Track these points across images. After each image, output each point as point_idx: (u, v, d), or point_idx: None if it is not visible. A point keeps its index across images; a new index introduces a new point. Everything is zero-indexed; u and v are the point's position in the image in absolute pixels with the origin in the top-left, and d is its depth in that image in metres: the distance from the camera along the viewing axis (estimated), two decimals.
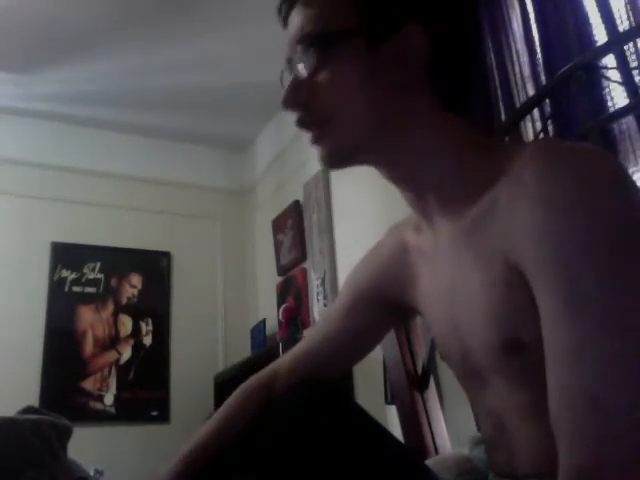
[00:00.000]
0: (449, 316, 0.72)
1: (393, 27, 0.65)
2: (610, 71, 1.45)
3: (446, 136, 0.68)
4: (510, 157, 0.63)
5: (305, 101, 0.68)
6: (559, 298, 0.54)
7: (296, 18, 0.70)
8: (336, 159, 0.71)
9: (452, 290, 0.70)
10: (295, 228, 3.13)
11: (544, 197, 0.56)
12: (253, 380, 0.91)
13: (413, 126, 0.68)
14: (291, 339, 2.52)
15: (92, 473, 2.32)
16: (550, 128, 1.58)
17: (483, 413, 0.75)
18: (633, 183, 0.59)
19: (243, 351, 3.19)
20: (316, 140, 0.70)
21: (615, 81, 1.45)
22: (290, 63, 0.71)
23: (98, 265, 3.30)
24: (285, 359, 0.92)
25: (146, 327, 3.32)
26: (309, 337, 0.92)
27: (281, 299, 3.14)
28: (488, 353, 0.65)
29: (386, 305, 0.86)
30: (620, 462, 0.49)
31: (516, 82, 1.77)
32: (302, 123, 0.70)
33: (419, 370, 1.43)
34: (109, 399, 3.13)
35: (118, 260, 3.34)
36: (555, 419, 0.54)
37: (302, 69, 0.68)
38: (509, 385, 0.66)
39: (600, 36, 1.55)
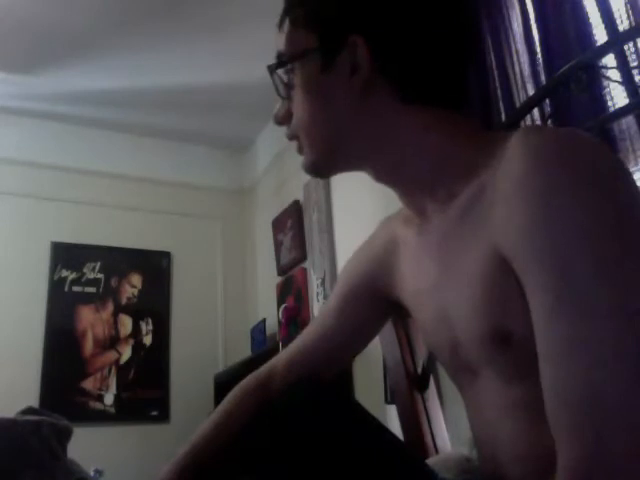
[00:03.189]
0: (436, 308, 0.71)
1: (341, 42, 0.69)
2: (610, 71, 1.45)
3: (425, 130, 0.69)
4: (497, 145, 0.63)
5: (284, 119, 0.76)
6: (551, 291, 0.53)
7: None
8: (314, 170, 0.76)
9: (439, 281, 0.70)
10: (295, 228, 3.13)
11: (531, 187, 0.55)
12: (250, 379, 0.92)
13: (384, 126, 0.70)
14: (291, 339, 2.52)
15: (92, 473, 2.32)
16: None
17: (472, 408, 0.74)
18: (625, 170, 0.58)
19: (243, 351, 3.19)
20: (299, 151, 0.76)
21: (615, 81, 1.45)
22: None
23: (98, 265, 3.29)
24: (281, 357, 0.93)
25: (146, 327, 3.32)
26: (305, 334, 0.92)
27: (281, 299, 3.14)
28: (477, 345, 0.65)
29: (378, 300, 0.86)
30: (618, 454, 0.48)
31: (516, 82, 1.77)
32: (287, 136, 0.77)
33: (419, 370, 1.43)
34: (109, 399, 3.13)
35: (118, 260, 3.34)
36: (551, 413, 0.53)
37: (281, 88, 0.75)
38: (498, 379, 0.65)
39: (600, 36, 1.55)
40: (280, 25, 0.75)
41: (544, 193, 0.54)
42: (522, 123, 1.67)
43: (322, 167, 0.76)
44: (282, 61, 0.73)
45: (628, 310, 0.51)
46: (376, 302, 0.87)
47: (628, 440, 0.48)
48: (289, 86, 0.73)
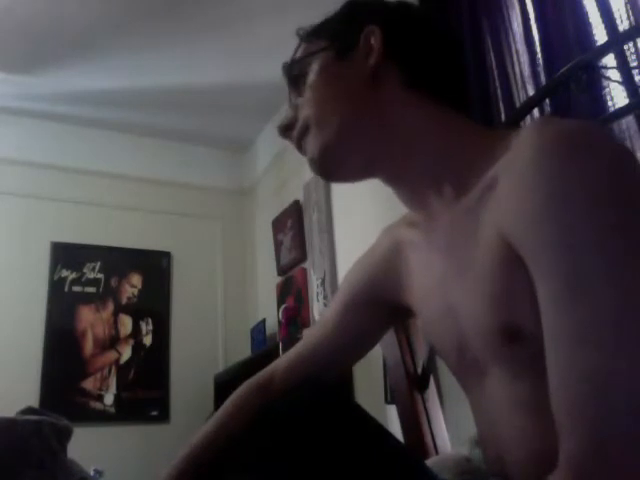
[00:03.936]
0: (443, 305, 0.71)
1: (358, 31, 0.74)
2: (610, 71, 1.45)
3: (429, 120, 0.72)
4: (507, 140, 0.64)
5: (290, 124, 0.78)
6: (559, 281, 0.53)
7: None
8: (323, 162, 0.75)
9: (447, 278, 0.70)
10: (295, 228, 3.13)
11: (543, 173, 0.55)
12: (250, 382, 0.91)
13: (391, 113, 0.72)
14: (291, 339, 2.52)
15: (92, 473, 2.32)
16: None
17: (478, 407, 0.74)
18: (635, 162, 0.58)
19: (243, 351, 3.19)
20: (304, 151, 0.77)
21: (615, 81, 1.45)
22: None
23: (98, 265, 3.30)
24: (282, 361, 0.92)
25: (146, 327, 3.32)
26: (306, 339, 0.92)
27: (281, 299, 3.14)
28: (485, 341, 0.64)
29: (380, 306, 0.86)
30: (621, 445, 0.48)
31: (516, 82, 1.77)
32: (296, 144, 0.78)
33: (419, 370, 1.43)
34: (109, 399, 3.13)
35: (118, 260, 3.34)
36: (556, 404, 0.53)
37: (293, 98, 0.78)
38: (505, 377, 0.65)
39: (600, 36, 1.56)
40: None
41: (555, 179, 0.54)
42: (522, 123, 1.67)
43: (331, 152, 0.75)
44: (296, 59, 0.78)
45: (634, 301, 0.51)
46: (378, 309, 0.87)
47: (630, 430, 0.48)
48: (302, 81, 0.77)
